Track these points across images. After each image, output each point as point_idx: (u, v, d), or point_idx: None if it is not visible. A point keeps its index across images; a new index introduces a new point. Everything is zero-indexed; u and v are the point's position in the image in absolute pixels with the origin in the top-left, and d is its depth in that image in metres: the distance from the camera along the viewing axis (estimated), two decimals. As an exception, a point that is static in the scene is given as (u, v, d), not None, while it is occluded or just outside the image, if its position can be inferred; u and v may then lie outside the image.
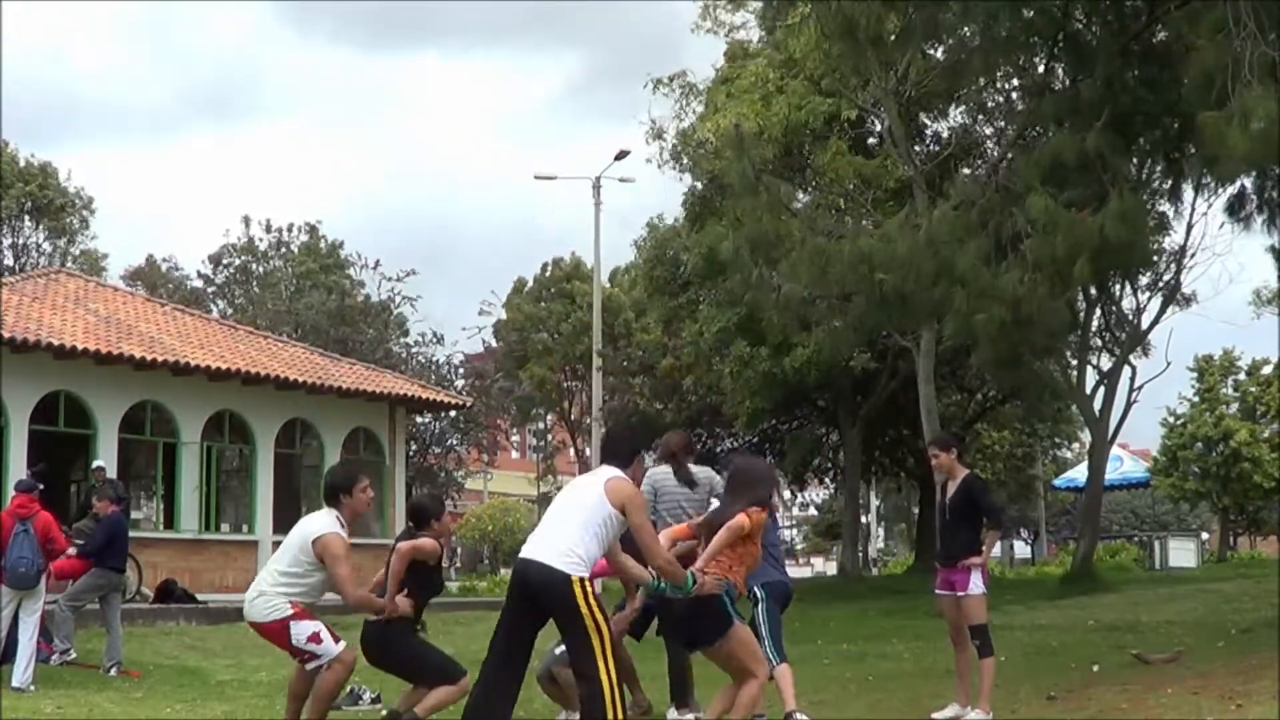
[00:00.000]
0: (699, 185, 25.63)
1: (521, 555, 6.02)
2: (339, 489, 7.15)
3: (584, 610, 5.78)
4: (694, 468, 8.48)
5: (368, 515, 24.11)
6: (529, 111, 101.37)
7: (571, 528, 5.93)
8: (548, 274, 44.10)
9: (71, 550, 13.38)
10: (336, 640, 6.98)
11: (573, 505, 6.07)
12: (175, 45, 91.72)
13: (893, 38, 12.51)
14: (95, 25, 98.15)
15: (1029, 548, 55.50)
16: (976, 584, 8.08)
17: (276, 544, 22.20)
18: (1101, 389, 22.75)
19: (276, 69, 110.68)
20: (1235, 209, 14.10)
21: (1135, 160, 14.47)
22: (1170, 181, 15.80)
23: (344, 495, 7.12)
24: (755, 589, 7.67)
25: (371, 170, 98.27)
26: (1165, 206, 18.00)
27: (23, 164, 37.14)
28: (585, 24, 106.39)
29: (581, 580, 5.82)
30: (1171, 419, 37.49)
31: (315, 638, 6.89)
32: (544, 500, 41.29)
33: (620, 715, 5.78)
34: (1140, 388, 23.30)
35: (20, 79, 77.84)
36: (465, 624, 16.17)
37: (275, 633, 6.95)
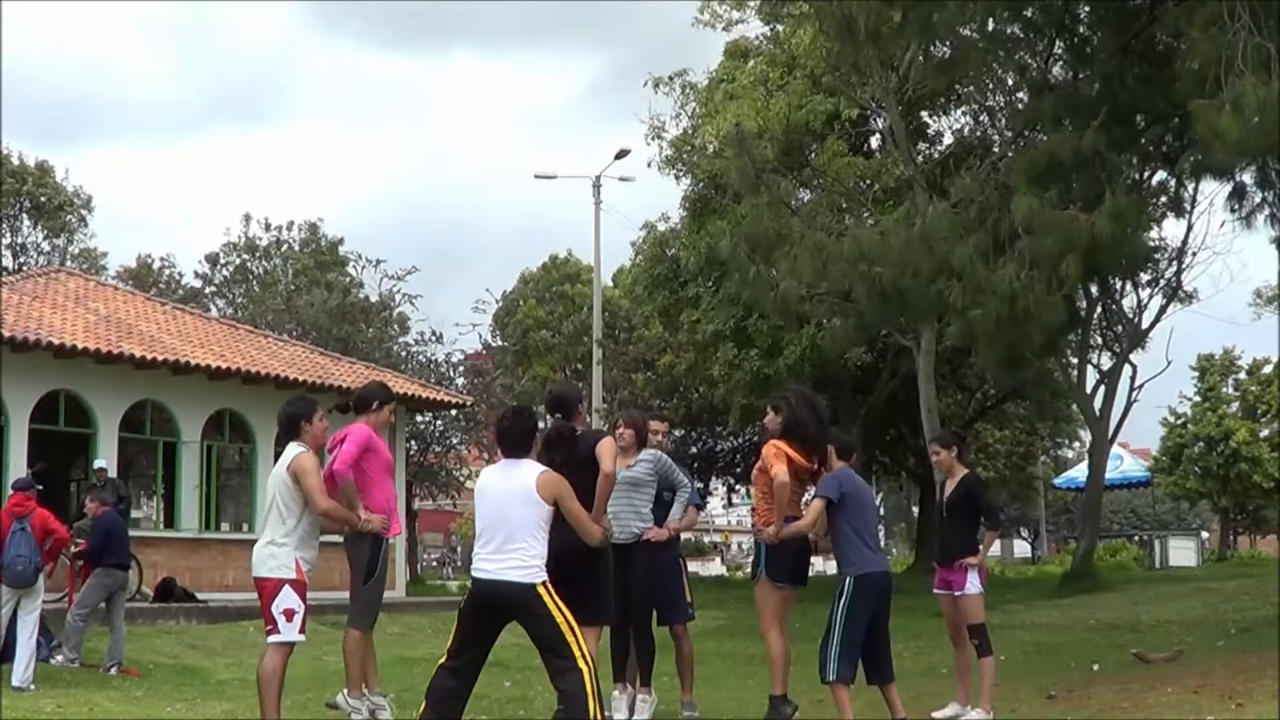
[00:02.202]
0: (698, 186, 25.67)
1: (480, 575, 6.16)
2: (299, 417, 7.19)
3: (552, 608, 6.05)
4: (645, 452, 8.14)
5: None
6: (549, 112, 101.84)
7: (522, 537, 6.10)
8: (547, 272, 44.05)
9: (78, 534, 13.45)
10: (301, 630, 7.00)
11: (512, 513, 6.16)
12: (201, 45, 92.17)
13: (888, 28, 12.47)
14: (121, 25, 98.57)
15: (1029, 546, 55.50)
16: (973, 583, 8.06)
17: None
18: (1102, 388, 22.75)
19: (302, 69, 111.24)
20: (1237, 199, 14.04)
21: (1136, 158, 14.44)
22: (1173, 180, 15.79)
23: (305, 423, 7.16)
24: (846, 578, 7.10)
25: (390, 169, 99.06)
26: (1166, 205, 18.03)
27: (17, 163, 37.02)
28: (611, 25, 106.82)
29: (544, 583, 6.08)
30: (1172, 418, 37.48)
31: (289, 614, 6.91)
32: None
33: (598, 706, 5.96)
34: (1141, 386, 23.32)
35: (31, 78, 78.09)
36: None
37: (269, 590, 6.95)
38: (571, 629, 6.05)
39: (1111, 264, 13.43)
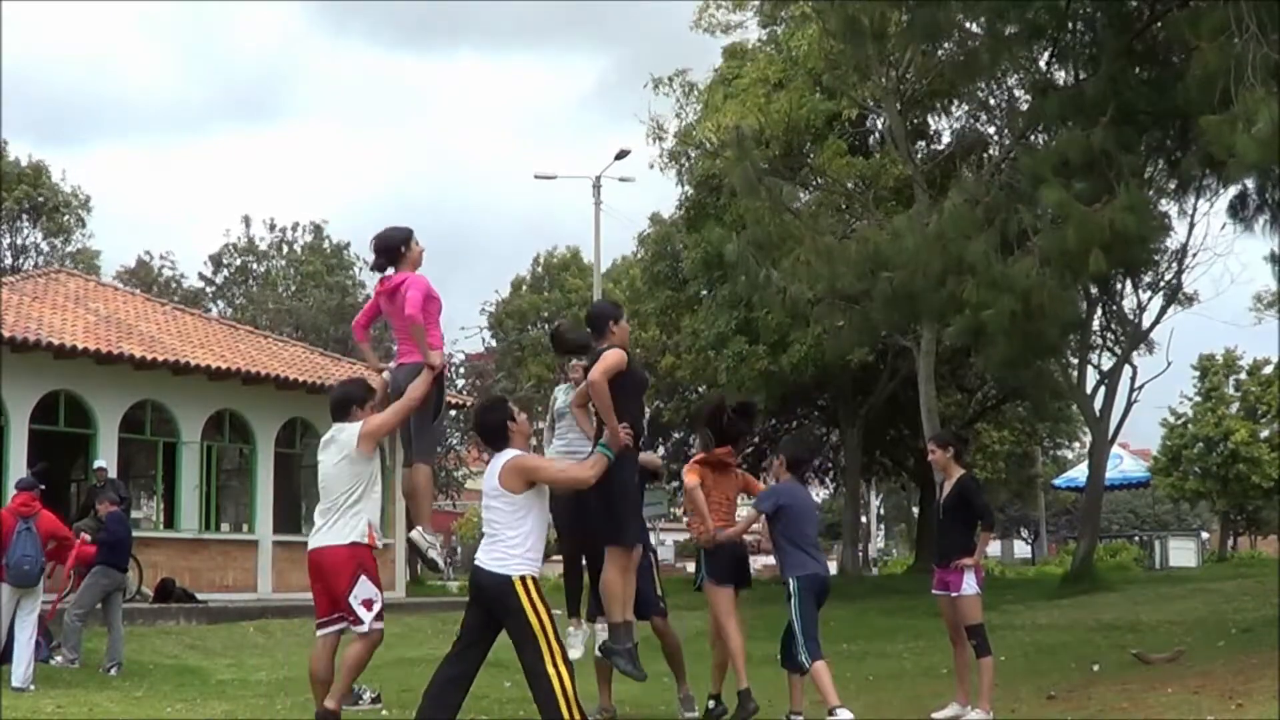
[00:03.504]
0: (691, 190, 25.74)
1: (474, 562, 6.31)
2: (351, 401, 7.01)
3: (526, 605, 6.00)
4: None
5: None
6: (551, 112, 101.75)
7: (501, 530, 6.17)
8: (541, 265, 44.13)
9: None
10: (380, 619, 6.87)
11: (491, 507, 6.26)
12: (203, 46, 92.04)
13: (892, 29, 12.47)
14: (121, 25, 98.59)
15: (1029, 547, 55.47)
16: (970, 584, 8.07)
17: (277, 543, 22.08)
18: (1102, 388, 22.76)
19: (304, 69, 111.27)
20: (1237, 210, 14.07)
21: (1137, 160, 14.42)
22: (1174, 182, 15.77)
23: (357, 408, 6.99)
24: (789, 580, 7.64)
25: (391, 169, 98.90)
26: (1168, 205, 18.02)
27: (15, 163, 36.98)
28: (612, 26, 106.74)
29: (523, 578, 6.04)
30: (1172, 419, 37.44)
31: (369, 604, 6.76)
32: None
33: (575, 710, 5.90)
34: (1141, 387, 23.34)
35: (31, 78, 78.08)
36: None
37: (340, 562, 6.73)
38: (545, 632, 5.95)
39: (1135, 258, 13.42)
